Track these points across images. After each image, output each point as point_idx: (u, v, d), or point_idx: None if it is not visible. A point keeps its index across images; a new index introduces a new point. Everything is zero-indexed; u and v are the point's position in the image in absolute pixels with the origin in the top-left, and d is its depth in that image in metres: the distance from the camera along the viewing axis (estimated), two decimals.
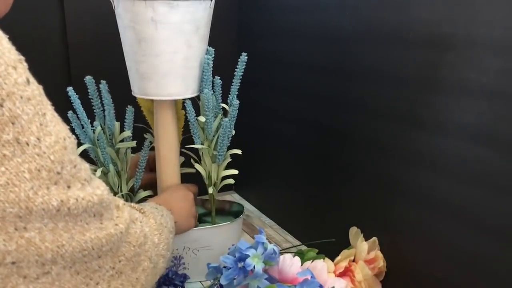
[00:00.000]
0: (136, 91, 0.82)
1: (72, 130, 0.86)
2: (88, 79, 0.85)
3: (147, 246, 0.57)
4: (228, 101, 0.87)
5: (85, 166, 0.46)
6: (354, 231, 0.80)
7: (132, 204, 0.65)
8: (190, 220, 0.81)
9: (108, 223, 0.48)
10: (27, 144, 0.38)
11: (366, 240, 0.79)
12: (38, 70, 1.17)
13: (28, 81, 0.39)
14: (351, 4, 0.80)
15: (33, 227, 0.39)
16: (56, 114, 0.42)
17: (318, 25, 0.89)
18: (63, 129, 0.43)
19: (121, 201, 0.54)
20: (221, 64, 0.86)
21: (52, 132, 0.40)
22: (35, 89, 0.40)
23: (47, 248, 0.41)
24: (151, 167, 0.92)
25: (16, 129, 0.37)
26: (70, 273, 0.44)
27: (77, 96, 0.84)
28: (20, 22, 0.94)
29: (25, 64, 0.40)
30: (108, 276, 0.49)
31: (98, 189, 0.46)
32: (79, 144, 0.86)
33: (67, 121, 0.84)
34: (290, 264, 0.69)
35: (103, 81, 0.85)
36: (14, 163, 0.37)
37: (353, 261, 0.78)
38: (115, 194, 0.89)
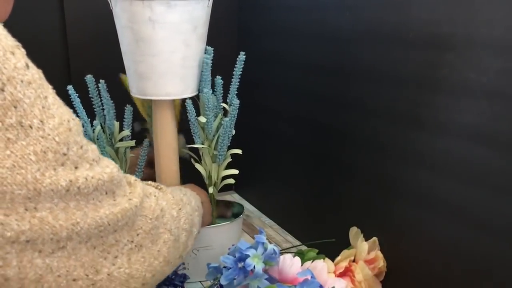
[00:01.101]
0: (135, 91, 0.81)
1: None
2: (89, 78, 0.85)
3: (165, 219, 0.58)
4: (228, 100, 0.87)
5: (92, 147, 0.46)
6: (354, 231, 0.80)
7: (149, 182, 0.66)
8: (209, 211, 0.82)
9: (121, 199, 0.48)
10: (31, 127, 0.39)
11: (366, 240, 0.79)
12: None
13: (27, 65, 0.40)
14: (351, 4, 0.80)
15: (43, 207, 0.40)
16: (58, 98, 0.43)
17: (318, 25, 0.89)
18: (66, 111, 0.43)
19: (132, 178, 0.54)
20: (221, 64, 0.86)
21: (55, 114, 0.41)
22: (35, 73, 0.41)
23: (62, 226, 0.41)
24: (151, 163, 0.92)
25: (18, 113, 0.38)
26: (86, 247, 0.45)
27: (77, 95, 0.84)
28: (20, 22, 0.94)
29: (23, 50, 0.41)
30: (127, 250, 0.50)
31: (107, 167, 0.47)
32: None
33: None
34: (290, 264, 0.69)
35: (102, 81, 0.85)
36: (19, 146, 0.38)
37: (353, 261, 0.78)
38: None
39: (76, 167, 0.42)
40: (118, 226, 0.48)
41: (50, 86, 0.42)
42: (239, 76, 0.86)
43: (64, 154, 0.41)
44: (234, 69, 0.86)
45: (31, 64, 0.41)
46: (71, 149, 0.42)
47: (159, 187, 0.65)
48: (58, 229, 0.41)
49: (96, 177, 0.44)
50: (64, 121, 0.42)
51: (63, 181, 0.41)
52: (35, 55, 1.16)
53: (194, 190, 0.82)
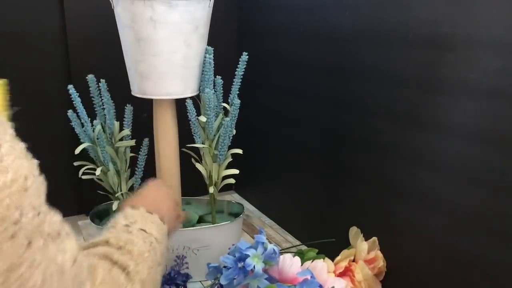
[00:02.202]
0: (136, 91, 0.82)
1: (72, 129, 0.86)
2: (90, 78, 0.85)
3: None
4: (229, 100, 0.87)
5: (54, 219, 0.36)
6: (354, 231, 0.80)
7: (115, 257, 0.49)
8: (177, 219, 0.71)
9: None
10: None
11: (366, 240, 0.79)
12: (38, 69, 1.18)
13: None
14: (351, 4, 0.80)
15: None
16: (19, 147, 0.34)
17: (318, 25, 0.89)
18: (26, 165, 0.34)
19: (99, 277, 0.43)
20: (221, 64, 0.86)
21: (9, 168, 0.32)
22: None
23: None
24: None
25: None
26: None
27: (78, 94, 0.84)
28: (20, 22, 0.94)
29: None
30: None
31: (62, 253, 0.36)
32: (79, 143, 0.86)
33: (67, 120, 0.85)
34: (290, 264, 0.69)
35: (102, 80, 0.86)
36: None
37: (353, 261, 0.78)
38: (114, 193, 0.89)
39: (29, 243, 0.33)
40: None
41: (8, 132, 0.34)
42: (241, 76, 0.86)
43: (16, 223, 0.32)
44: (236, 69, 0.86)
45: None
46: (26, 216, 0.33)
47: (126, 271, 0.49)
48: None
49: (41, 268, 0.33)
50: (19, 177, 0.33)
51: (2, 265, 0.31)
52: (35, 55, 1.16)
53: (161, 190, 0.70)
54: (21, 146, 0.34)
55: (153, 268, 0.53)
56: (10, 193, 0.32)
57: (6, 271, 0.31)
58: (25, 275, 0.32)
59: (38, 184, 0.35)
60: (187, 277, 0.80)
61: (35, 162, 0.35)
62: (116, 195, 0.89)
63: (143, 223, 0.56)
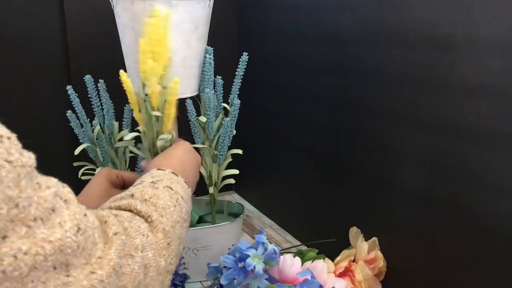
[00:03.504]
0: (136, 91, 0.81)
1: (71, 130, 0.86)
2: (88, 78, 0.85)
3: (148, 279, 0.44)
4: (229, 100, 0.87)
5: (43, 194, 0.33)
6: (354, 231, 0.80)
7: (139, 207, 0.49)
8: (197, 173, 0.69)
9: (79, 273, 0.34)
10: None
11: (366, 240, 0.79)
12: (38, 69, 1.17)
13: None
14: (351, 4, 0.80)
15: None
16: None
17: (318, 25, 0.89)
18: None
19: (113, 228, 0.41)
20: (220, 64, 0.86)
21: None
22: None
23: None
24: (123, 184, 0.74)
25: None
26: None
27: (76, 95, 0.84)
28: (20, 22, 0.94)
29: None
30: None
31: (60, 228, 0.33)
32: (79, 143, 0.86)
33: (66, 120, 0.85)
34: (291, 264, 0.69)
35: (101, 81, 0.85)
36: None
37: (353, 261, 0.78)
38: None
39: (3, 237, 0.30)
40: None
41: None
42: (241, 77, 0.86)
43: None
44: (237, 69, 0.86)
45: None
46: None
47: (149, 219, 0.48)
48: None
49: (32, 252, 0.31)
50: None
51: None
52: (35, 55, 1.16)
53: (182, 146, 0.69)
54: None
55: (179, 223, 0.52)
56: None
57: None
58: (9, 268, 0.30)
59: (16, 170, 0.31)
60: (185, 277, 0.80)
61: (13, 142, 0.31)
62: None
63: (169, 182, 0.56)
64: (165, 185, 0.55)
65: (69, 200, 0.35)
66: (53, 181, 0.35)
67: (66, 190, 0.36)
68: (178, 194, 0.55)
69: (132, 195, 0.51)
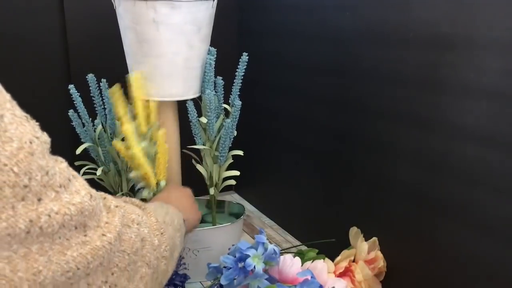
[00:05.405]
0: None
1: (73, 129, 0.86)
2: (90, 77, 0.85)
3: (145, 251, 0.50)
4: (230, 101, 0.87)
5: (61, 166, 0.39)
6: (354, 231, 0.80)
7: (133, 199, 0.59)
8: (196, 216, 0.76)
9: (93, 234, 0.40)
10: None
11: (366, 240, 0.79)
12: (38, 70, 1.17)
13: None
14: (351, 4, 0.80)
15: (0, 257, 0.33)
16: (18, 112, 0.35)
17: (318, 25, 0.89)
18: (28, 129, 0.35)
19: (113, 202, 0.47)
20: (221, 65, 0.86)
21: (13, 137, 0.33)
22: None
23: (21, 279, 0.34)
24: None
25: None
26: None
27: (78, 94, 0.84)
28: (20, 22, 0.94)
29: None
30: None
31: (77, 194, 0.39)
32: (79, 143, 0.86)
33: (68, 120, 0.85)
34: (291, 265, 0.69)
35: (103, 80, 0.86)
36: None
37: (353, 261, 0.78)
38: (115, 193, 0.89)
39: (39, 199, 0.35)
40: (91, 269, 0.40)
41: (8, 99, 0.35)
42: (242, 77, 0.86)
43: (25, 186, 0.34)
44: (237, 70, 0.86)
45: None
46: (34, 178, 0.34)
47: (142, 207, 0.57)
48: (17, 283, 0.34)
49: (62, 211, 0.36)
50: (24, 143, 0.34)
51: (22, 222, 0.33)
52: (35, 55, 1.16)
53: (177, 189, 0.76)
54: (20, 110, 0.36)
55: (171, 225, 0.59)
56: (17, 161, 0.33)
57: (29, 225, 0.34)
58: (45, 225, 0.35)
59: (42, 145, 0.36)
60: (185, 277, 0.80)
61: (35, 123, 0.37)
62: (116, 195, 0.89)
63: (161, 205, 0.64)
64: (157, 205, 0.63)
65: (76, 175, 0.41)
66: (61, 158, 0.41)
67: (70, 168, 0.42)
68: (169, 208, 0.63)
69: (125, 201, 0.58)
